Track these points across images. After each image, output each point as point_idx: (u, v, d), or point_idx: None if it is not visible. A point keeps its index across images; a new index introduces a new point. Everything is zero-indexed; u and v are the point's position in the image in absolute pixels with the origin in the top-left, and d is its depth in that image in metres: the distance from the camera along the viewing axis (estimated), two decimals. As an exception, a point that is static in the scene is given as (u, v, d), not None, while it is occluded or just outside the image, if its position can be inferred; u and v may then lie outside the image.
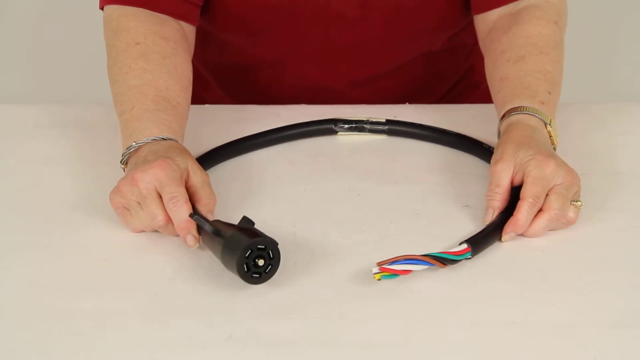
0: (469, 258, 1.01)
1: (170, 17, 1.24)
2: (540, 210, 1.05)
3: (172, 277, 1.00)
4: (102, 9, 1.26)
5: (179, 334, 0.92)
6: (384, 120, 1.27)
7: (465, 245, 1.01)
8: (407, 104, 1.38)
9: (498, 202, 1.07)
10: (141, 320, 0.94)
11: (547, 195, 1.05)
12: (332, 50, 1.32)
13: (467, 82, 1.48)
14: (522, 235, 1.06)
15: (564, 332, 0.92)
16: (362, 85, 1.38)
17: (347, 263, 1.00)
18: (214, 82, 1.46)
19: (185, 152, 1.10)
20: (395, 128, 1.27)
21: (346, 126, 1.27)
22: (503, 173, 1.08)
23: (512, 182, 1.08)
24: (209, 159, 1.21)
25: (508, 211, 1.06)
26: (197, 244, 1.03)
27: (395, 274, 0.97)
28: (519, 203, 1.05)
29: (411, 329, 0.93)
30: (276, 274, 0.98)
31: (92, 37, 1.77)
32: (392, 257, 0.97)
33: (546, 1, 1.25)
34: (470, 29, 1.38)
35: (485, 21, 1.29)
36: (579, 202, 1.07)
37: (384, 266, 0.97)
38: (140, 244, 1.05)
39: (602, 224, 1.08)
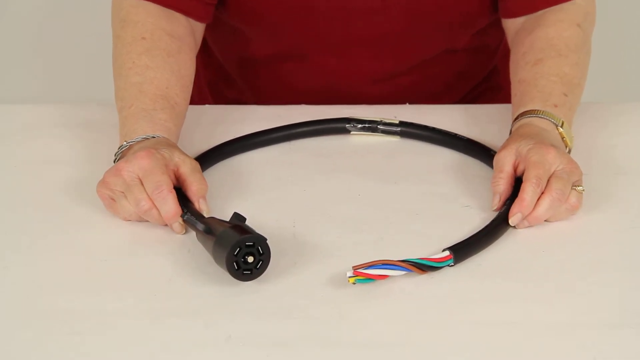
0: (452, 265, 1.00)
1: (179, 13, 1.24)
2: (542, 194, 1.06)
3: (171, 277, 1.00)
4: None
5: (178, 334, 0.92)
6: (397, 122, 1.27)
7: (447, 253, 1.00)
8: (407, 104, 1.38)
9: (502, 186, 1.09)
10: (141, 320, 0.94)
11: (548, 180, 1.06)
12: (352, 43, 1.32)
13: (489, 85, 1.48)
14: (525, 220, 1.06)
15: (564, 332, 0.92)
16: (383, 81, 1.37)
17: (347, 263, 1.00)
18: (238, 78, 1.45)
19: (172, 145, 1.11)
20: (408, 130, 1.26)
21: (359, 126, 1.27)
22: (505, 159, 1.10)
23: (515, 171, 1.09)
24: (216, 154, 1.21)
25: (502, 217, 1.06)
26: (184, 231, 1.05)
27: (370, 278, 0.96)
28: (522, 185, 1.06)
29: (411, 329, 0.92)
30: (276, 273, 0.99)
31: (92, 37, 1.77)
32: (369, 261, 0.97)
33: (572, 3, 1.25)
34: (494, 30, 1.38)
35: (514, 22, 1.30)
36: (580, 187, 1.08)
37: (359, 270, 0.96)
38: (140, 244, 1.05)
39: (602, 224, 1.08)
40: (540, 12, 1.27)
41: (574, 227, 1.07)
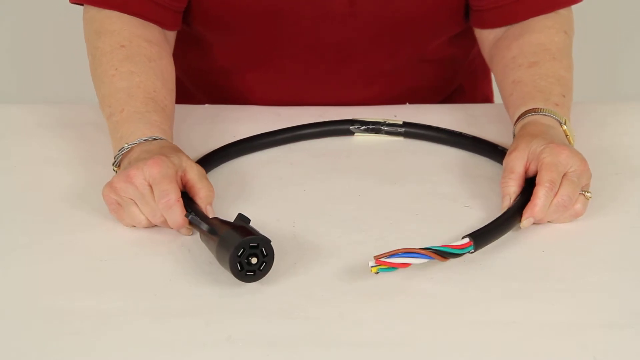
0: (472, 252, 1.00)
1: (151, 23, 1.24)
2: None
3: (171, 277, 1.00)
4: (74, 3, 1.26)
5: (178, 334, 0.92)
6: (401, 122, 1.26)
7: (467, 239, 1.00)
8: (407, 104, 1.38)
9: (513, 187, 1.08)
10: (141, 320, 0.94)
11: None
12: (319, 49, 1.31)
13: (456, 100, 1.47)
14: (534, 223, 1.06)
15: (564, 332, 0.92)
16: (349, 88, 1.36)
17: (347, 263, 1.00)
18: (195, 89, 1.44)
19: (177, 149, 1.11)
20: (412, 130, 1.26)
21: (363, 127, 1.27)
22: (516, 160, 1.09)
23: (526, 172, 1.09)
24: (220, 156, 1.21)
25: (519, 205, 1.06)
26: (191, 232, 1.06)
27: (393, 267, 0.96)
28: (536, 188, 1.05)
29: (411, 329, 0.92)
30: (276, 273, 0.98)
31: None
32: (391, 250, 0.97)
33: (555, 12, 1.26)
34: (462, 40, 1.37)
35: (492, 32, 1.29)
36: (588, 193, 1.08)
37: (381, 259, 0.95)
38: (140, 244, 1.05)
39: (602, 223, 1.08)
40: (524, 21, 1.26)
41: (574, 228, 1.07)
